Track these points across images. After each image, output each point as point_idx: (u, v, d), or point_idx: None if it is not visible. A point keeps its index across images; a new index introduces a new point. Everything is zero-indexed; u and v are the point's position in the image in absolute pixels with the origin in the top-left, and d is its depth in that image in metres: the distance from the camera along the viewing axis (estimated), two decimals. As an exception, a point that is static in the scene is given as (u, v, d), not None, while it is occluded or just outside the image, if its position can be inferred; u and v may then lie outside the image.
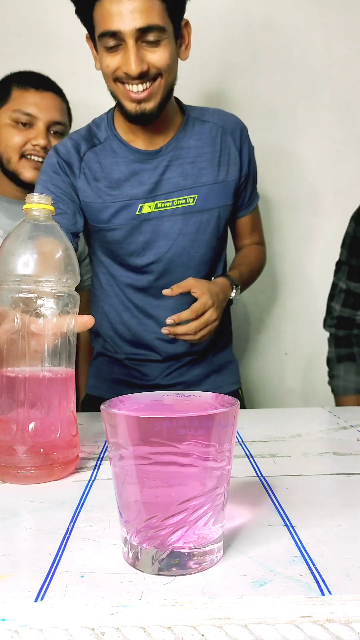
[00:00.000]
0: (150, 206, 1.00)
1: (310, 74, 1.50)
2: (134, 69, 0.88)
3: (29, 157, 1.16)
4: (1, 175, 1.20)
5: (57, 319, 0.55)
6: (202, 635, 0.30)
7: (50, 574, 0.35)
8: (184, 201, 1.01)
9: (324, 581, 0.34)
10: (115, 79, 0.92)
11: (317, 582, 0.33)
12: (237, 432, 0.72)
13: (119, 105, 0.96)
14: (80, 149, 1.01)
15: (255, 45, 1.48)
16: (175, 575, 0.35)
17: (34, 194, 0.57)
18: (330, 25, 1.49)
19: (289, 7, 1.48)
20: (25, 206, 0.57)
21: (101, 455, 0.62)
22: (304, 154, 1.53)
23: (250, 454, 0.62)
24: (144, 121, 0.96)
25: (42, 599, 0.32)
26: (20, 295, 0.54)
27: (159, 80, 0.92)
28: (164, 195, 1.00)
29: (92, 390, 1.13)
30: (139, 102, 0.93)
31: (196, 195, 1.01)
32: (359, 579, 0.34)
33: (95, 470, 0.57)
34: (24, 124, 1.14)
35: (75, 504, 0.47)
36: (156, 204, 1.00)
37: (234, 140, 1.05)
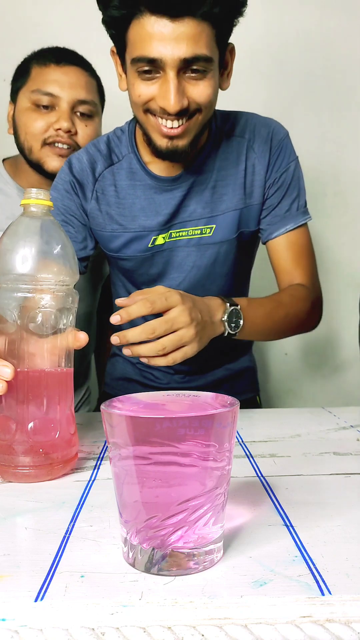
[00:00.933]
0: (164, 237, 0.91)
1: (310, 75, 1.50)
2: (172, 105, 0.75)
3: (53, 144, 1.03)
4: (25, 166, 1.09)
5: (58, 338, 0.56)
6: (202, 635, 0.30)
7: (50, 574, 0.35)
8: (199, 231, 0.91)
9: (324, 581, 0.34)
10: (147, 110, 0.80)
11: (317, 582, 0.33)
12: (237, 432, 0.71)
13: (147, 137, 0.84)
14: (96, 169, 0.92)
15: (254, 46, 1.48)
16: (175, 575, 0.35)
17: (32, 189, 0.56)
18: (330, 26, 1.49)
19: (289, 8, 1.48)
20: (23, 201, 0.56)
21: (101, 455, 0.62)
22: (303, 154, 1.52)
23: (250, 454, 0.61)
24: (175, 159, 0.85)
25: (42, 599, 0.32)
26: (19, 293, 0.54)
27: (197, 116, 0.80)
28: (179, 225, 0.91)
29: (107, 389, 1.12)
30: (171, 138, 0.81)
31: (214, 226, 0.90)
32: (359, 579, 0.34)
33: (95, 470, 0.57)
34: (45, 107, 1.02)
35: (75, 504, 0.47)
36: (170, 233, 0.91)
37: (261, 154, 0.91)
